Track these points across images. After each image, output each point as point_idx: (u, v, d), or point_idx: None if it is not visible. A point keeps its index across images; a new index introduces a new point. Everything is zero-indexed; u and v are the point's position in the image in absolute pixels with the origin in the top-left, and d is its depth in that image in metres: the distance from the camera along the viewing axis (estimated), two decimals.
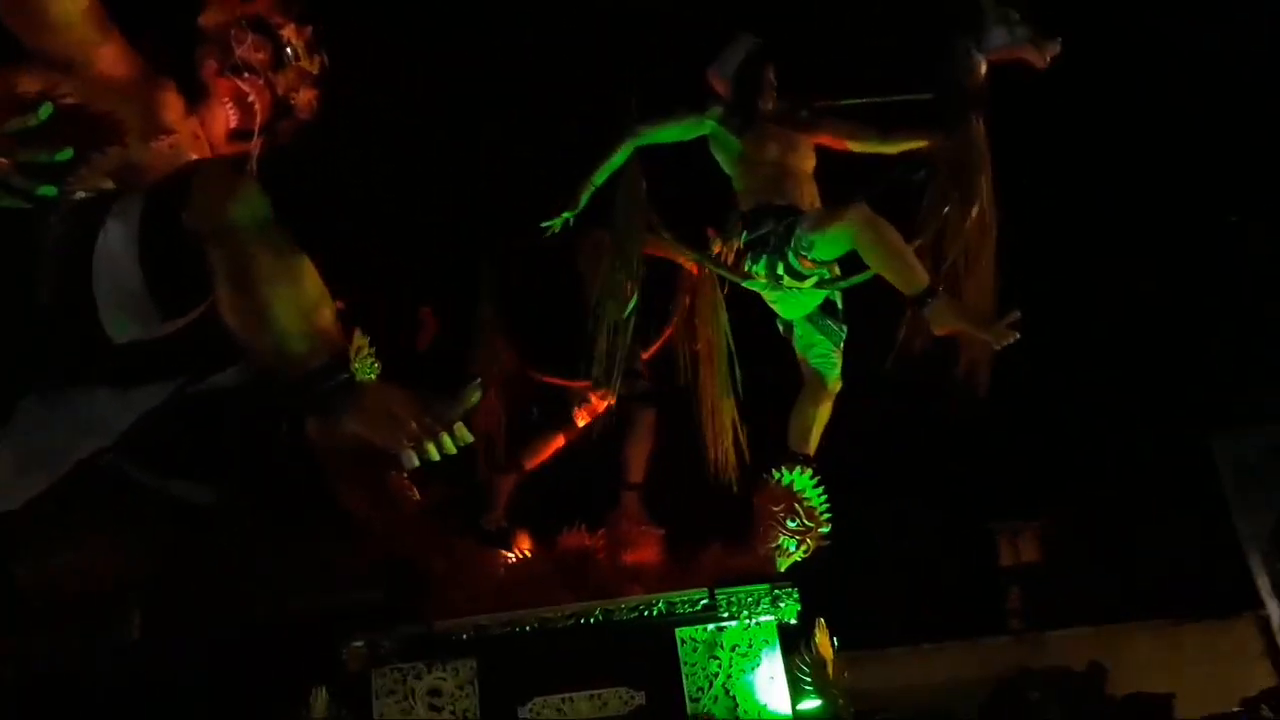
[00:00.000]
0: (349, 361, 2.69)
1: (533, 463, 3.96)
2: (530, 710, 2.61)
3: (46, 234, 2.53)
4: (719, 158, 3.57)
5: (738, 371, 3.56)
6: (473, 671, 2.57)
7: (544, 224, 3.56)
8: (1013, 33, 3.09)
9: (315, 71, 2.65)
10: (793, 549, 3.26)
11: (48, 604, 3.13)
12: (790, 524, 3.25)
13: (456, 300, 4.05)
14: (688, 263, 3.72)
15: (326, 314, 2.30)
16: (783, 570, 3.19)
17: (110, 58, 2.52)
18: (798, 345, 3.54)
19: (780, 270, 3.29)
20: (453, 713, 2.53)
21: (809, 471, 3.39)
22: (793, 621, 3.00)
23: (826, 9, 4.28)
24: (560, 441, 3.99)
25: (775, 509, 3.27)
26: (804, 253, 3.21)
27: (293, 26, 2.60)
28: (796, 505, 3.27)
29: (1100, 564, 4.43)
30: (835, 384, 3.53)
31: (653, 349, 3.92)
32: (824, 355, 3.52)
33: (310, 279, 2.31)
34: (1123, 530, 4.51)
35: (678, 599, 2.89)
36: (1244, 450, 3.89)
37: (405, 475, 3.27)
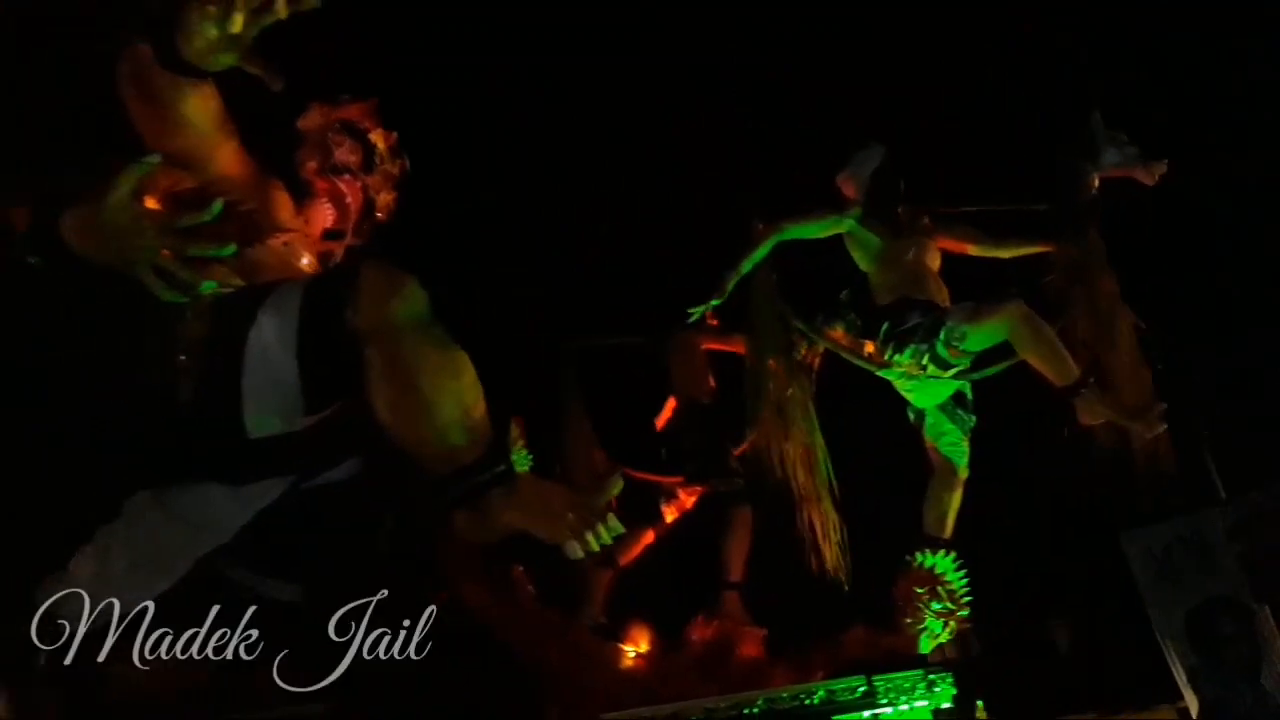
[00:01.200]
0: (507, 453, 2.65)
1: (626, 559, 3.98)
2: None
3: (183, 331, 2.49)
4: (855, 254, 3.81)
5: (831, 469, 3.69)
6: None
7: (690, 310, 3.76)
8: (1123, 153, 3.47)
9: (397, 174, 2.71)
10: (938, 630, 3.35)
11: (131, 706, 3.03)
12: (935, 606, 3.37)
13: (542, 401, 4.05)
14: (775, 365, 3.81)
15: (481, 407, 2.28)
16: (928, 652, 3.25)
17: (229, 157, 2.53)
18: (929, 433, 3.74)
19: (925, 360, 3.53)
20: None
21: (950, 555, 3.52)
22: (947, 705, 3.02)
23: (943, 124, 4.55)
24: (650, 537, 4.06)
25: (919, 591, 3.38)
26: (955, 343, 3.46)
27: (380, 132, 2.67)
28: (940, 588, 3.40)
29: (1023, 660, 4.39)
30: (964, 470, 3.72)
31: (743, 447, 3.98)
32: (954, 443, 3.74)
33: (468, 373, 2.29)
34: (1039, 627, 4.55)
35: (837, 686, 2.90)
36: (1151, 543, 4.03)
37: (522, 570, 3.23)
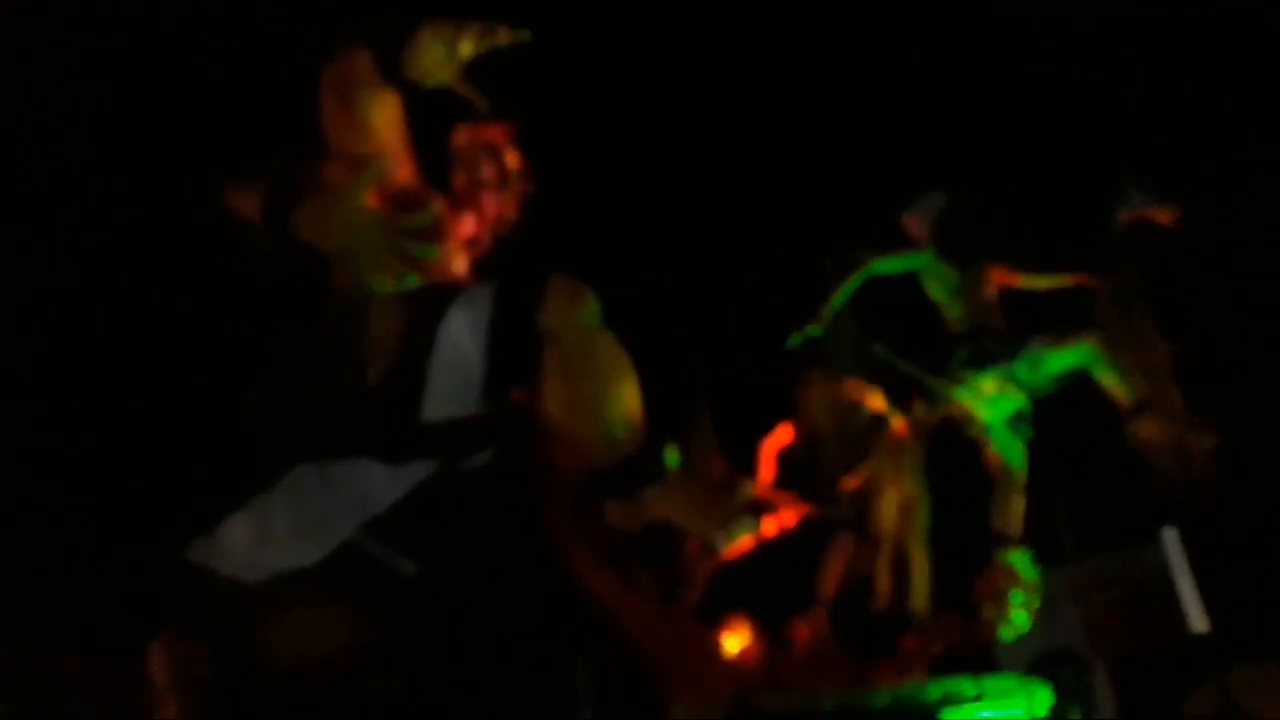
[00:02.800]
0: (661, 452, 2.84)
1: (727, 556, 4.13)
2: None
3: (372, 322, 2.66)
4: (931, 286, 4.18)
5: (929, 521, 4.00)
6: None
7: (791, 336, 4.06)
8: (1147, 197, 3.94)
9: (524, 194, 2.89)
10: (1019, 621, 3.61)
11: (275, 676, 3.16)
12: (1017, 599, 3.62)
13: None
14: (896, 421, 4.13)
15: (640, 408, 2.45)
16: (1009, 641, 3.58)
17: (400, 163, 2.71)
18: (996, 444, 4.03)
19: (1005, 380, 3.91)
20: None
21: (1026, 551, 3.81)
22: (1043, 715, 3.22)
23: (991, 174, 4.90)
24: (750, 544, 4.17)
25: (1003, 586, 3.62)
26: (1035, 367, 3.89)
27: (514, 153, 2.83)
28: (1018, 582, 3.65)
29: None
30: (1023, 476, 3.99)
31: (855, 482, 4.16)
32: (1016, 453, 4.01)
33: (633, 376, 2.46)
34: None
35: (950, 686, 3.09)
36: None
37: (640, 563, 3.38)
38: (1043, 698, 3.24)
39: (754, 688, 3.04)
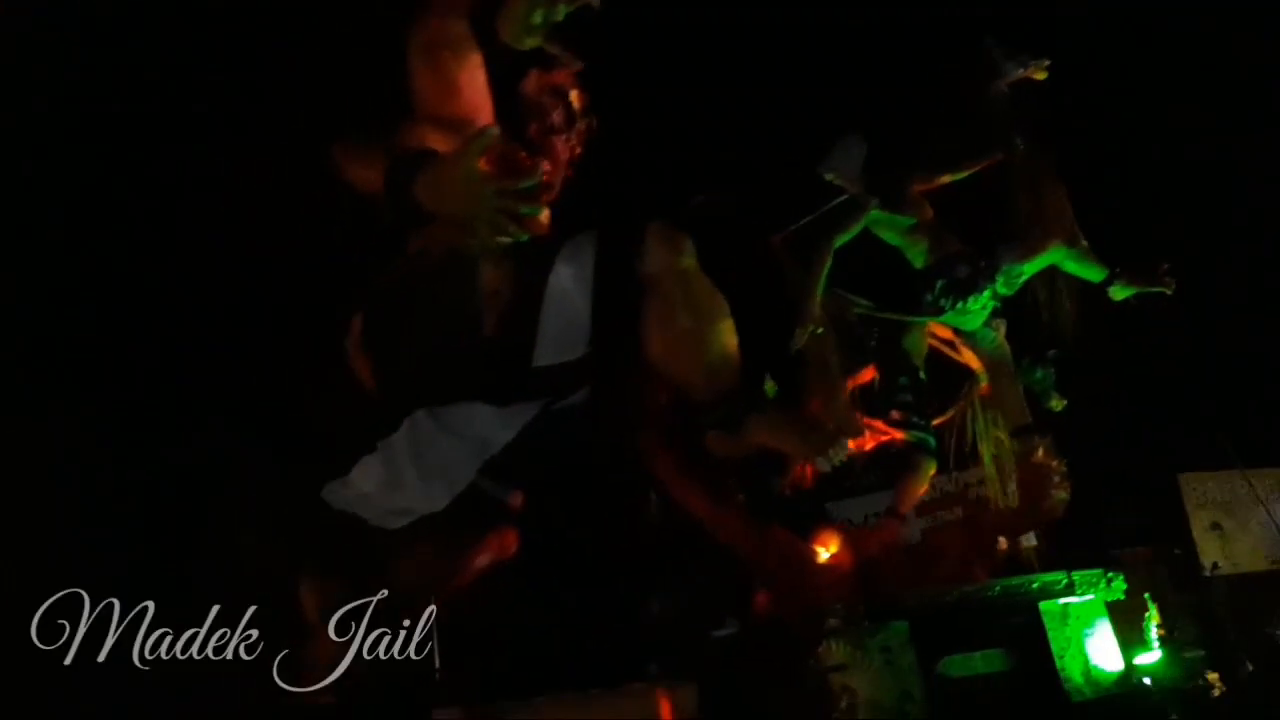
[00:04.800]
0: (761, 383, 3.04)
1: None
2: (944, 666, 3.09)
3: (484, 276, 2.86)
4: (885, 235, 4.14)
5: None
6: (906, 634, 3.02)
7: (793, 340, 3.98)
8: (1018, 60, 3.93)
9: (587, 132, 3.00)
10: (1065, 495, 3.90)
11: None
12: (1058, 475, 3.90)
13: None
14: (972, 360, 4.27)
15: (737, 343, 2.64)
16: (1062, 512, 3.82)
17: (487, 121, 2.84)
18: (982, 344, 4.22)
19: (986, 299, 4.04)
20: (894, 663, 3.02)
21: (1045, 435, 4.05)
22: (1121, 599, 3.47)
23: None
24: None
25: (1051, 465, 3.89)
26: (1016, 278, 4.01)
27: (577, 92, 2.93)
28: (1054, 461, 3.94)
29: None
30: (1009, 360, 4.21)
31: (943, 418, 4.31)
32: (997, 345, 4.20)
33: (729, 315, 2.64)
34: None
35: (1047, 579, 3.37)
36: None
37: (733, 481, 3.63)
38: (1119, 585, 3.49)
39: (881, 586, 3.39)
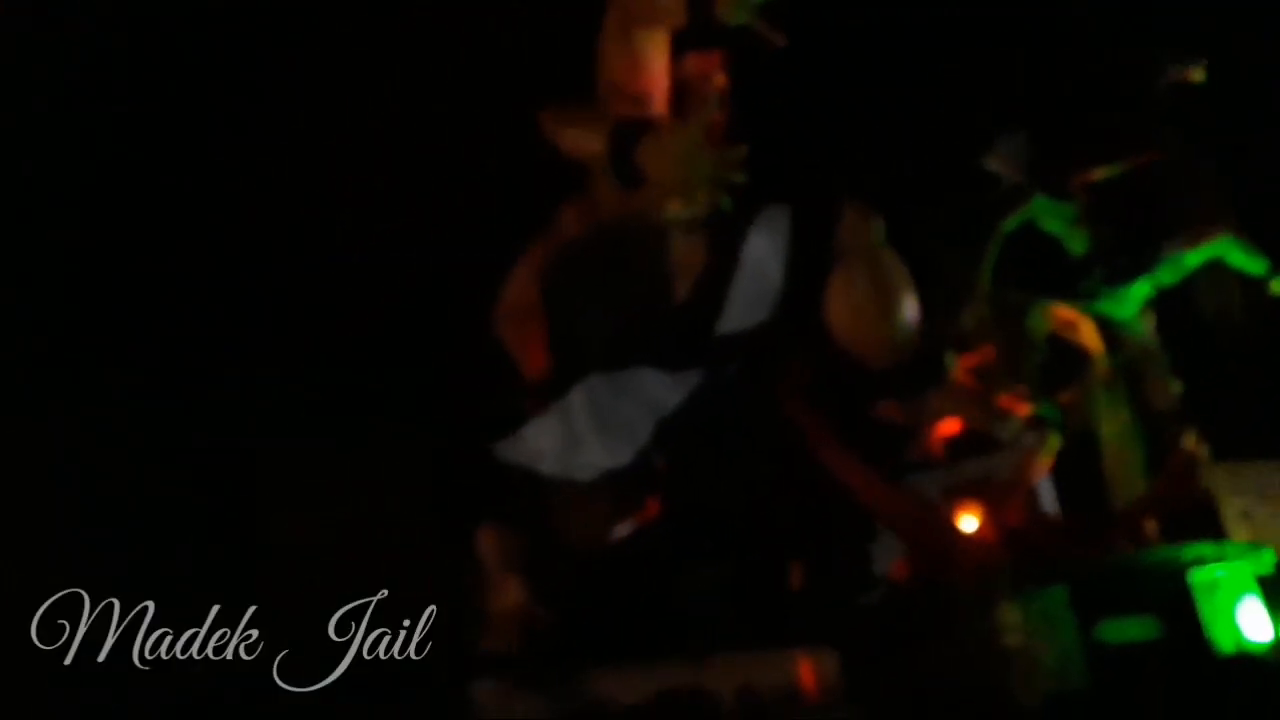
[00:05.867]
0: (942, 357, 3.18)
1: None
2: (1100, 631, 3.17)
3: (670, 248, 3.00)
4: (1050, 225, 4.28)
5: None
6: (1065, 599, 3.16)
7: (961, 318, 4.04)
8: (1179, 64, 4.07)
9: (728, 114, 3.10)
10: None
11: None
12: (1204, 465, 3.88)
13: None
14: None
15: (919, 318, 2.77)
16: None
17: (664, 98, 2.99)
18: (1133, 334, 4.25)
19: (1146, 287, 4.15)
20: (1054, 628, 3.13)
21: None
22: (1269, 573, 3.46)
23: None
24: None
25: (1198, 454, 3.88)
26: (1180, 267, 4.11)
27: (722, 76, 3.08)
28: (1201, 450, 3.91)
29: None
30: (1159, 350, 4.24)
31: (1069, 398, 4.30)
32: (1148, 336, 4.23)
33: (914, 291, 2.77)
34: None
35: (1200, 549, 3.45)
36: None
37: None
38: (1268, 557, 3.50)
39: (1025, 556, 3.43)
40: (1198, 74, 4.05)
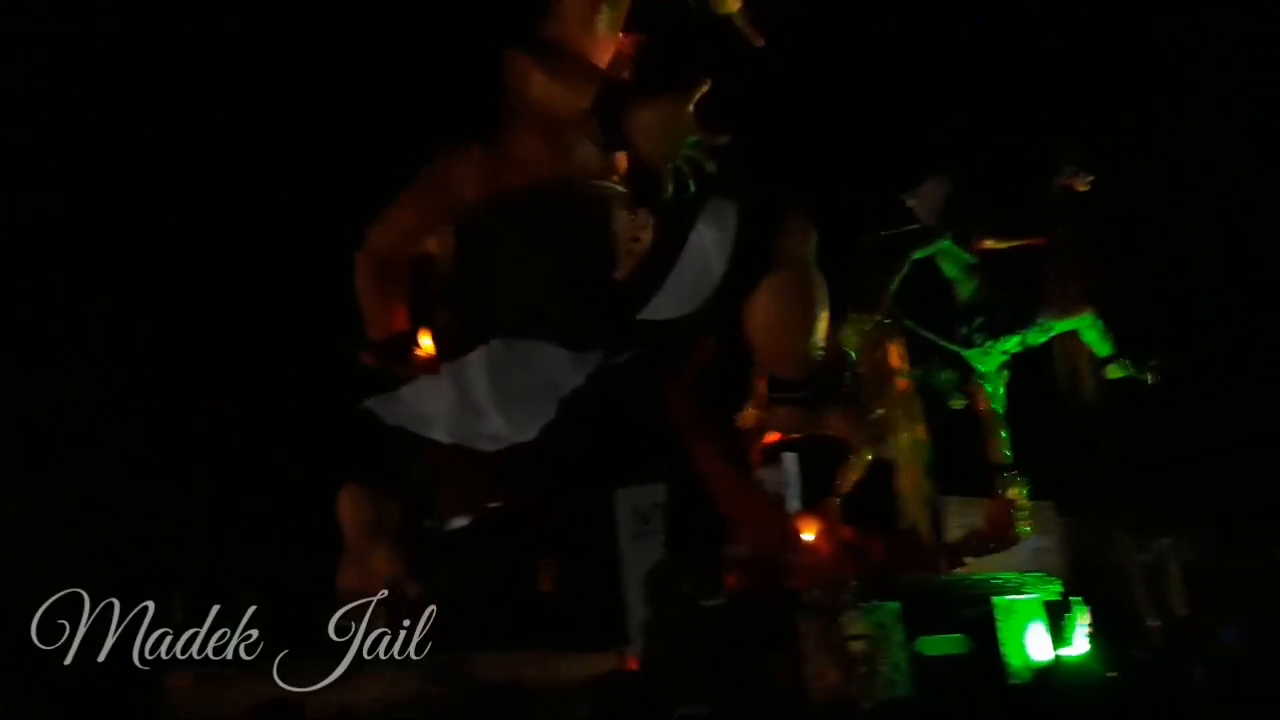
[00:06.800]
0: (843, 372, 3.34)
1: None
2: (920, 644, 3.49)
3: (614, 220, 2.95)
4: (946, 266, 4.77)
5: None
6: (898, 614, 3.42)
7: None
8: (1073, 168, 4.60)
9: None
10: (1028, 530, 4.55)
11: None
12: (1024, 511, 4.50)
13: None
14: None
15: (827, 334, 2.92)
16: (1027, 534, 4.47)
17: (602, 70, 2.96)
18: (988, 387, 4.80)
19: (1014, 344, 4.66)
20: (887, 638, 3.38)
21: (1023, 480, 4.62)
22: (1056, 600, 4.04)
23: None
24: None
25: (1015, 505, 4.47)
26: (1047, 332, 4.65)
27: None
28: (1021, 500, 4.52)
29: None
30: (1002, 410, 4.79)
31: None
32: (1000, 396, 4.79)
33: (828, 308, 2.91)
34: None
35: (1004, 577, 3.96)
36: (640, 502, 4.71)
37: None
38: (1054, 587, 4.10)
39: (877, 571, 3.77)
40: (1084, 185, 4.54)
